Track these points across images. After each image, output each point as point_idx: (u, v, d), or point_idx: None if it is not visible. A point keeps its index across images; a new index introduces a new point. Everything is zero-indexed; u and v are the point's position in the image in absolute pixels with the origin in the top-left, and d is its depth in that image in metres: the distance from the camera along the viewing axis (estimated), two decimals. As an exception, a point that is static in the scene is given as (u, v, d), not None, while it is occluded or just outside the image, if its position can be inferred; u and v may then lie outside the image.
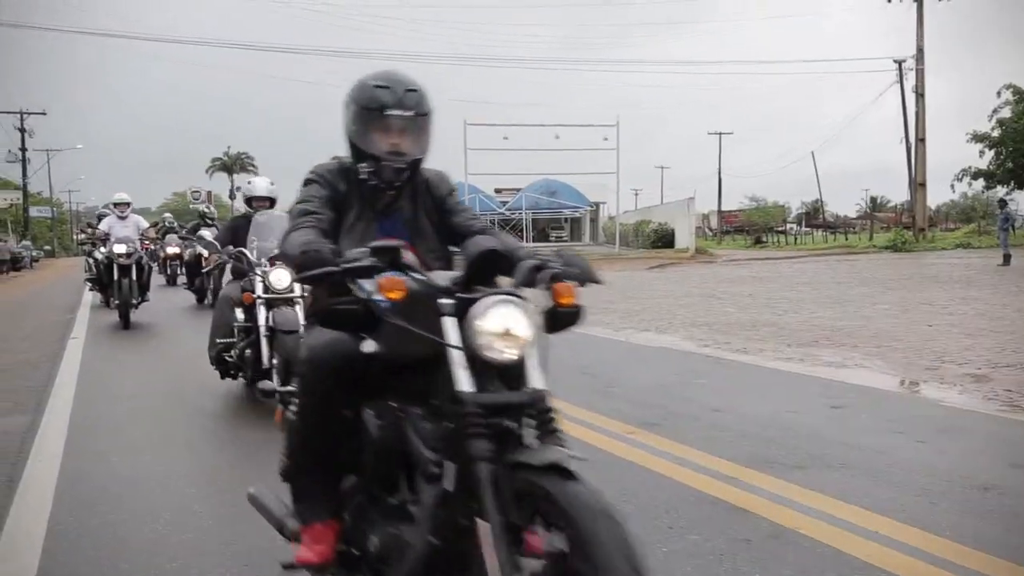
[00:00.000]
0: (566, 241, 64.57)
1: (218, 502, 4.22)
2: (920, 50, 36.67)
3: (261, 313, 6.17)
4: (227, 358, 6.62)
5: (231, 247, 6.93)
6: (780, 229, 65.52)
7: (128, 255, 12.23)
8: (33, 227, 63.95)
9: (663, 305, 14.48)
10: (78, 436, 5.71)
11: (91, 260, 15.59)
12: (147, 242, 12.76)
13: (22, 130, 57.82)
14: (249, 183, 8.04)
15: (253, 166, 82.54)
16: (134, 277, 12.25)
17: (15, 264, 42.06)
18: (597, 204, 63.66)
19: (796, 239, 59.31)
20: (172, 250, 19.80)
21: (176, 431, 6.02)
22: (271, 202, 7.50)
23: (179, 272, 20.57)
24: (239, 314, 6.45)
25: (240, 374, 6.65)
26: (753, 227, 65.74)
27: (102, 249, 13.55)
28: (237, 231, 7.23)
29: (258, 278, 6.26)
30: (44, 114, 59.48)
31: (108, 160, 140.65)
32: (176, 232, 20.52)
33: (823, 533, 3.56)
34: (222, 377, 6.79)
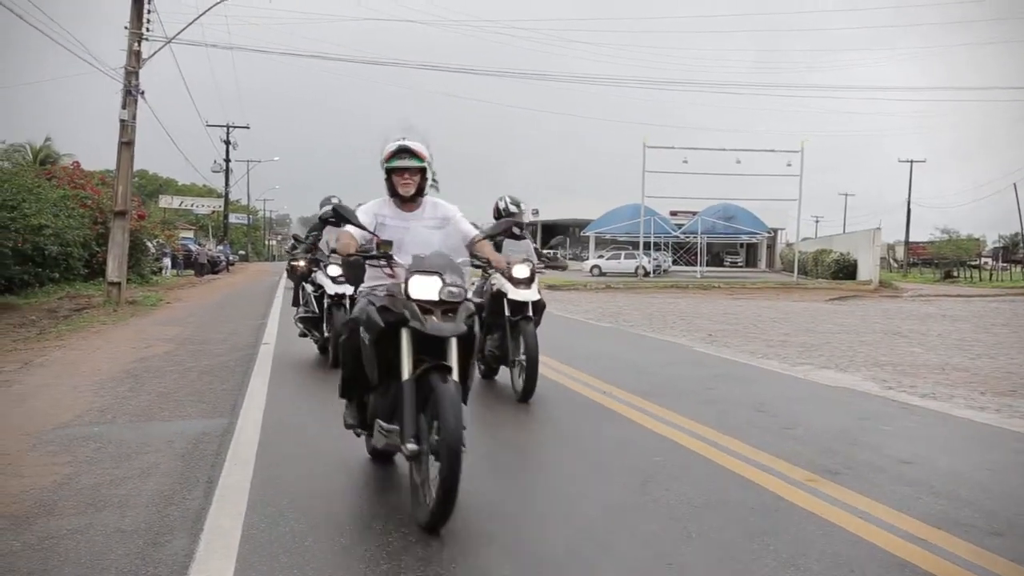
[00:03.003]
0: (741, 267, 63.23)
1: (399, 520, 4.34)
2: None
3: None
4: None
5: None
6: (974, 263, 61.40)
7: None
8: (231, 232, 68.45)
9: (843, 341, 13.88)
10: (269, 442, 6.01)
11: (309, 288, 10.40)
12: None
13: (227, 142, 61.89)
14: None
15: (435, 181, 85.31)
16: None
17: (213, 267, 45.09)
18: (775, 230, 62.09)
19: (992, 275, 55.38)
20: None
21: (362, 443, 6.02)
22: None
23: None
24: None
25: None
26: (943, 260, 62.12)
27: (332, 277, 9.13)
28: None
29: None
30: (248, 127, 63.52)
31: (300, 171, 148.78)
32: None
33: (1025, 611, 3.32)
34: None
